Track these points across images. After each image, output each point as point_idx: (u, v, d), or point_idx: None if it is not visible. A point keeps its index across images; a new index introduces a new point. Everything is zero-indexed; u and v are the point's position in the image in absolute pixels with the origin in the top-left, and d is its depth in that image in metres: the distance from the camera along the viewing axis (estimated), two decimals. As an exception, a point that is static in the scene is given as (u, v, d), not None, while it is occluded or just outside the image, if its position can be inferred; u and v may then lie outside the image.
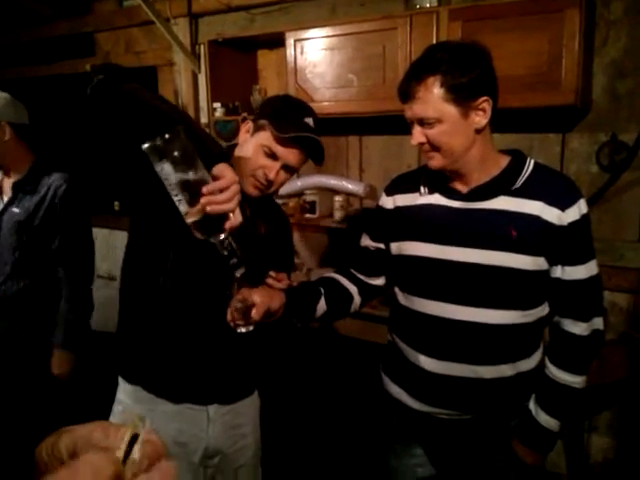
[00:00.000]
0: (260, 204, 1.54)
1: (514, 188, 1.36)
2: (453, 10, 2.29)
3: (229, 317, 1.31)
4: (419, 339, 1.47)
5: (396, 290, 1.55)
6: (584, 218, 1.36)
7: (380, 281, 1.64)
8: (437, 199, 1.45)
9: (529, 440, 1.45)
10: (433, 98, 1.29)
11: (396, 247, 1.52)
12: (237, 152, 1.49)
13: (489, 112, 1.33)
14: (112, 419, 1.51)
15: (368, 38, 2.50)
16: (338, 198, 2.93)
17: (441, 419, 1.48)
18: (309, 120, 1.44)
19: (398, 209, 1.53)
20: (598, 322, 1.42)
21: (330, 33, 2.61)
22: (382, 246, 1.58)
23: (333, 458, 2.70)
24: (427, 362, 1.44)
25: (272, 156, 1.42)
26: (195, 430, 1.50)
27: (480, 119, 1.33)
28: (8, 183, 2.22)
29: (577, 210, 1.34)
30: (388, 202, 1.56)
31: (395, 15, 2.47)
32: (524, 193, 1.35)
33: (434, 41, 2.32)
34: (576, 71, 2.05)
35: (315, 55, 2.66)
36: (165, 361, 1.47)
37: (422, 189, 1.48)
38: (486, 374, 1.40)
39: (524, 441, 1.46)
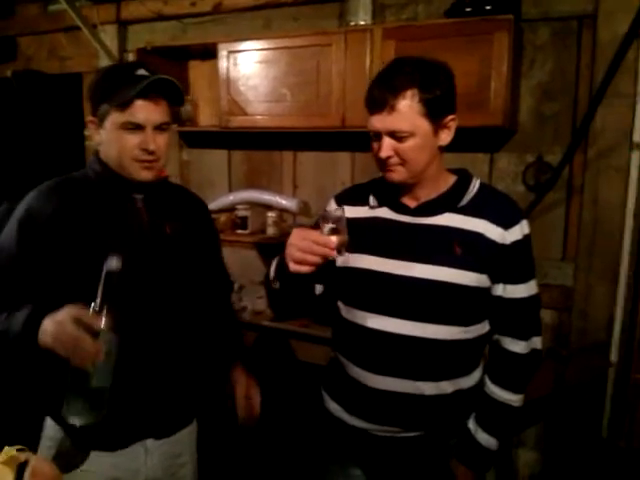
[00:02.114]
0: (164, 198, 1.47)
1: (460, 206, 1.38)
2: (387, 29, 2.31)
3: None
4: (360, 353, 1.45)
5: (339, 304, 1.53)
6: (526, 238, 1.38)
7: (318, 289, 1.59)
8: (385, 212, 1.44)
9: (468, 459, 1.44)
10: (410, 111, 1.28)
11: (341, 258, 1.49)
12: (102, 154, 1.39)
13: (453, 130, 1.35)
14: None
15: (302, 53, 2.49)
16: (271, 214, 2.88)
17: (380, 437, 1.45)
18: (141, 71, 1.34)
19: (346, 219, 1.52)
20: (537, 341, 1.44)
21: (264, 46, 2.58)
22: None
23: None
24: (368, 377, 1.42)
25: (137, 127, 1.31)
26: (132, 464, 1.41)
27: (446, 136, 1.35)
28: None
29: (520, 230, 1.37)
30: (333, 208, 1.54)
31: (329, 31, 2.47)
32: (469, 211, 1.37)
33: (368, 59, 2.34)
34: (504, 93, 2.11)
35: (248, 68, 2.61)
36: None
37: (371, 202, 1.48)
38: (427, 390, 1.39)
39: (463, 460, 1.45)
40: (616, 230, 2.25)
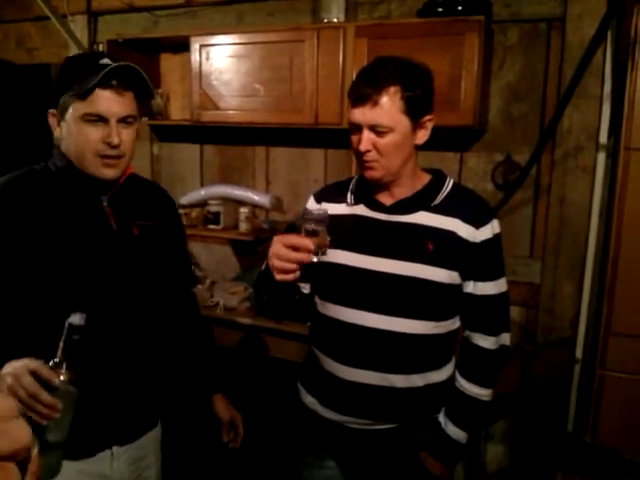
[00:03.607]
0: (131, 197, 1.39)
1: (433, 204, 1.41)
2: (360, 27, 2.31)
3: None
4: (335, 346, 1.47)
5: (316, 299, 1.55)
6: (496, 237, 1.43)
7: (307, 289, 1.59)
8: (362, 210, 1.47)
9: (438, 452, 1.48)
10: (392, 107, 1.31)
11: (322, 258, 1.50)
12: (64, 148, 1.30)
13: (430, 131, 1.39)
14: None
15: (275, 48, 2.48)
16: (244, 209, 2.86)
17: (353, 429, 1.48)
18: (105, 60, 1.25)
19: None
20: (505, 337, 1.48)
21: (237, 40, 2.56)
22: None
23: (242, 473, 2.61)
24: (342, 369, 1.45)
25: (99, 119, 1.23)
26: (98, 469, 1.37)
27: (422, 136, 1.38)
28: None
29: (490, 229, 1.41)
30: (315, 208, 1.55)
31: (303, 27, 2.47)
32: (442, 210, 1.40)
33: (341, 56, 2.34)
34: (474, 93, 2.13)
35: (221, 62, 2.59)
36: None
37: (349, 199, 1.50)
38: (398, 383, 1.42)
39: (433, 453, 1.48)
40: (582, 229, 2.30)
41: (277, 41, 2.47)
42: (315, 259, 1.24)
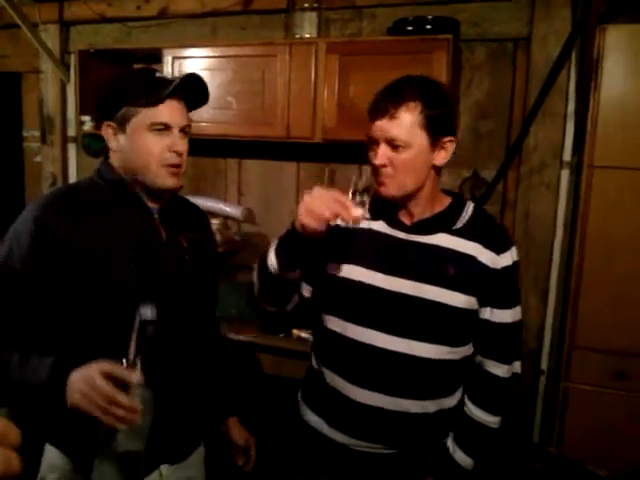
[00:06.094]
0: (177, 210, 1.39)
1: (454, 228, 1.38)
2: (331, 43, 2.34)
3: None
4: (345, 365, 1.42)
5: (325, 314, 1.48)
6: (515, 265, 1.40)
7: (307, 292, 1.52)
8: (381, 226, 1.42)
9: (445, 477, 1.44)
10: (411, 121, 1.28)
11: (334, 268, 1.45)
12: (120, 161, 1.30)
13: (450, 153, 1.35)
14: None
15: (248, 62, 2.49)
16: (215, 221, 2.85)
17: (359, 452, 1.43)
18: (159, 73, 1.30)
19: (339, 226, 1.47)
20: (518, 366, 1.46)
21: (210, 54, 2.57)
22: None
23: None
24: (352, 390, 1.40)
25: (165, 128, 1.24)
26: None
27: (442, 157, 1.34)
28: None
29: (510, 256, 1.38)
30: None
31: (275, 42, 2.49)
32: (463, 233, 1.37)
33: (313, 71, 2.37)
34: (443, 110, 2.17)
35: (194, 74, 2.60)
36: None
37: (368, 214, 1.43)
38: (411, 408, 1.38)
39: (440, 478, 1.44)
40: (547, 243, 2.35)
41: (250, 55, 2.49)
42: (350, 223, 1.23)
